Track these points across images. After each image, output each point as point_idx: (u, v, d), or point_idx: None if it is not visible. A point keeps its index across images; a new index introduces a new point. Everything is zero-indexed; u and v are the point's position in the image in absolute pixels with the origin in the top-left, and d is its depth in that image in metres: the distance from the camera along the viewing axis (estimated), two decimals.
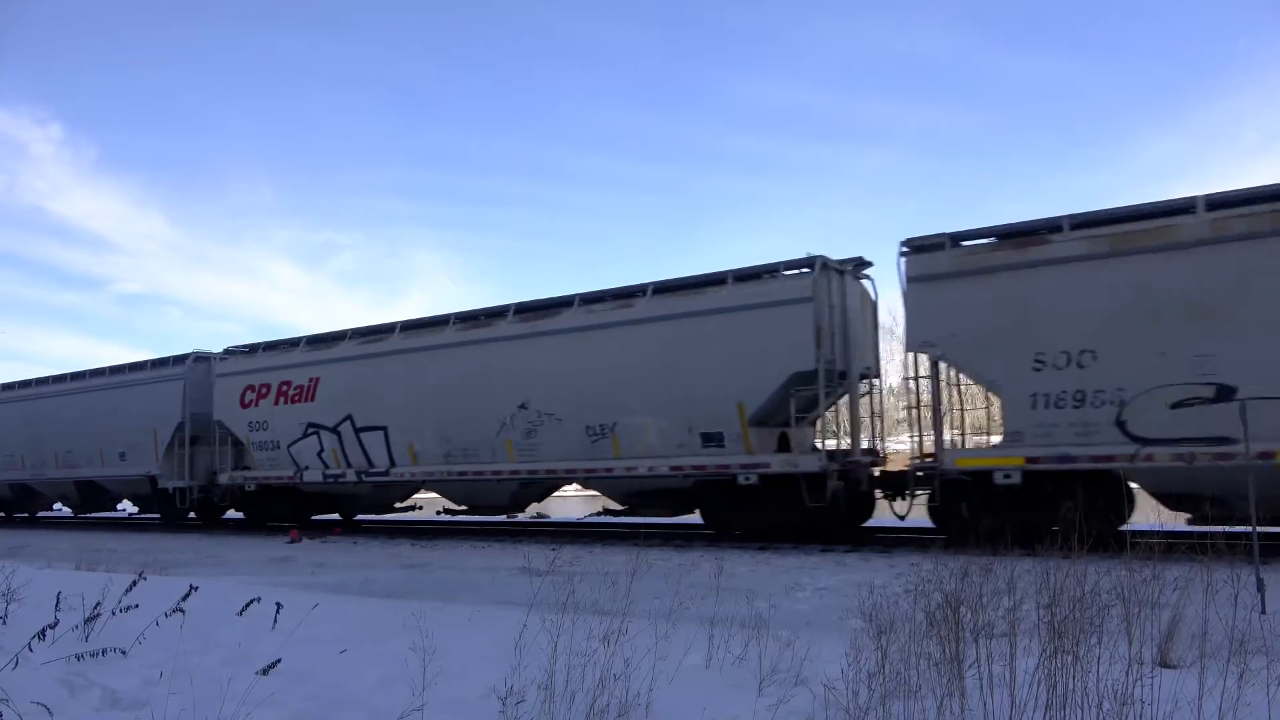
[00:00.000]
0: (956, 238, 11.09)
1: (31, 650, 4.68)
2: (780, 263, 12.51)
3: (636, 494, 13.87)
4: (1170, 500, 9.93)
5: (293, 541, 15.57)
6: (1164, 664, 4.42)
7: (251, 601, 6.19)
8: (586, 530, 15.68)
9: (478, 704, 4.00)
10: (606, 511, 14.74)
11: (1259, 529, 6.37)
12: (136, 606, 5.50)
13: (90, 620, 5.39)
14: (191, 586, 5.90)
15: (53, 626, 4.99)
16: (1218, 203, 9.52)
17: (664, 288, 13.43)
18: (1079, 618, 3.82)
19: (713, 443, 12.60)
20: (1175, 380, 9.42)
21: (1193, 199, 9.67)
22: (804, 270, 12.29)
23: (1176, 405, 9.43)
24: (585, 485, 14.67)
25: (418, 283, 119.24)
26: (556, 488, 15.72)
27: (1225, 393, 9.08)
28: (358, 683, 4.57)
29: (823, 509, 11.81)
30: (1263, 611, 5.66)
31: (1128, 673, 3.33)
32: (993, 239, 10.94)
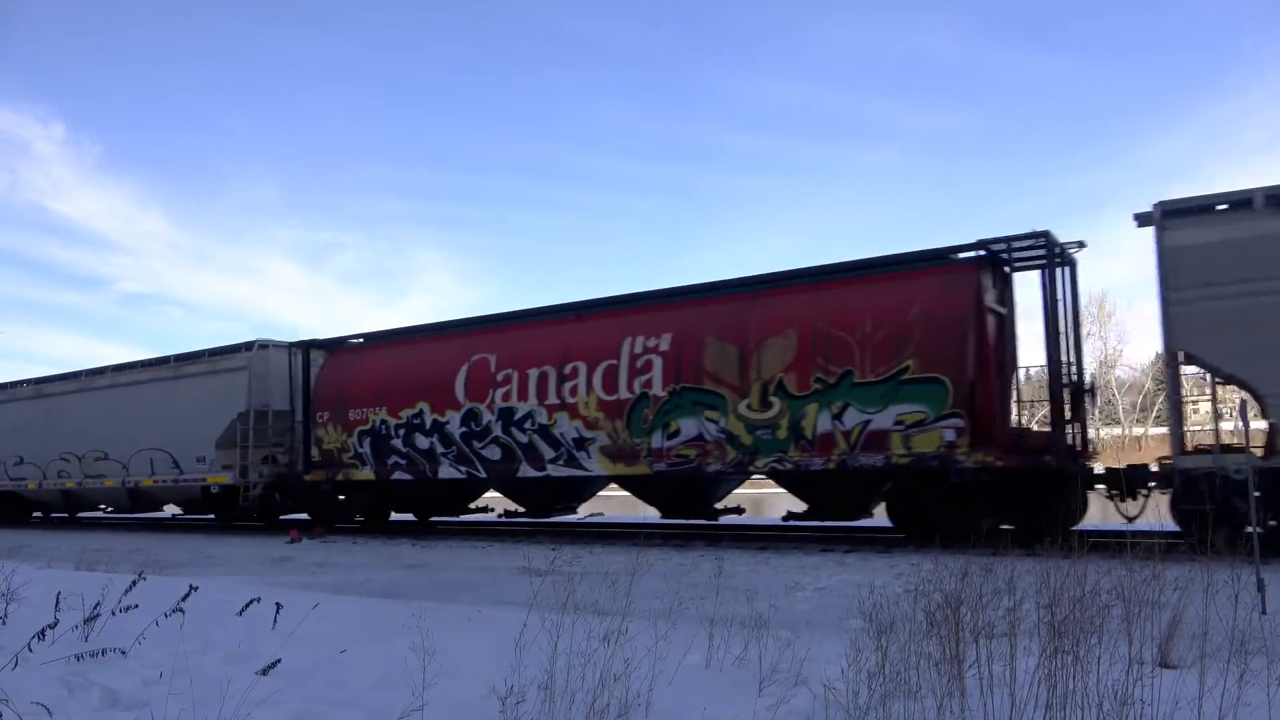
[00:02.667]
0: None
1: (31, 650, 4.68)
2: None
3: None
4: None
5: (293, 541, 15.57)
6: (1164, 664, 4.42)
7: (251, 601, 6.19)
8: (587, 530, 15.69)
9: (478, 704, 4.00)
10: None
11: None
12: (136, 606, 5.50)
13: (90, 620, 5.39)
14: (191, 586, 5.89)
15: (53, 626, 4.99)
16: None
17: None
18: (1079, 618, 3.82)
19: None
20: None
21: None
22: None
23: None
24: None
25: (420, 282, 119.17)
26: None
27: None
28: (358, 683, 4.57)
29: None
30: (1263, 611, 5.66)
31: (1128, 673, 3.33)
32: None
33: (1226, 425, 10.22)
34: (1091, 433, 12.11)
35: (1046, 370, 11.31)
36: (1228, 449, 9.82)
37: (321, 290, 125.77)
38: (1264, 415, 9.81)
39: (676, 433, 12.67)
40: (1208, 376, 10.46)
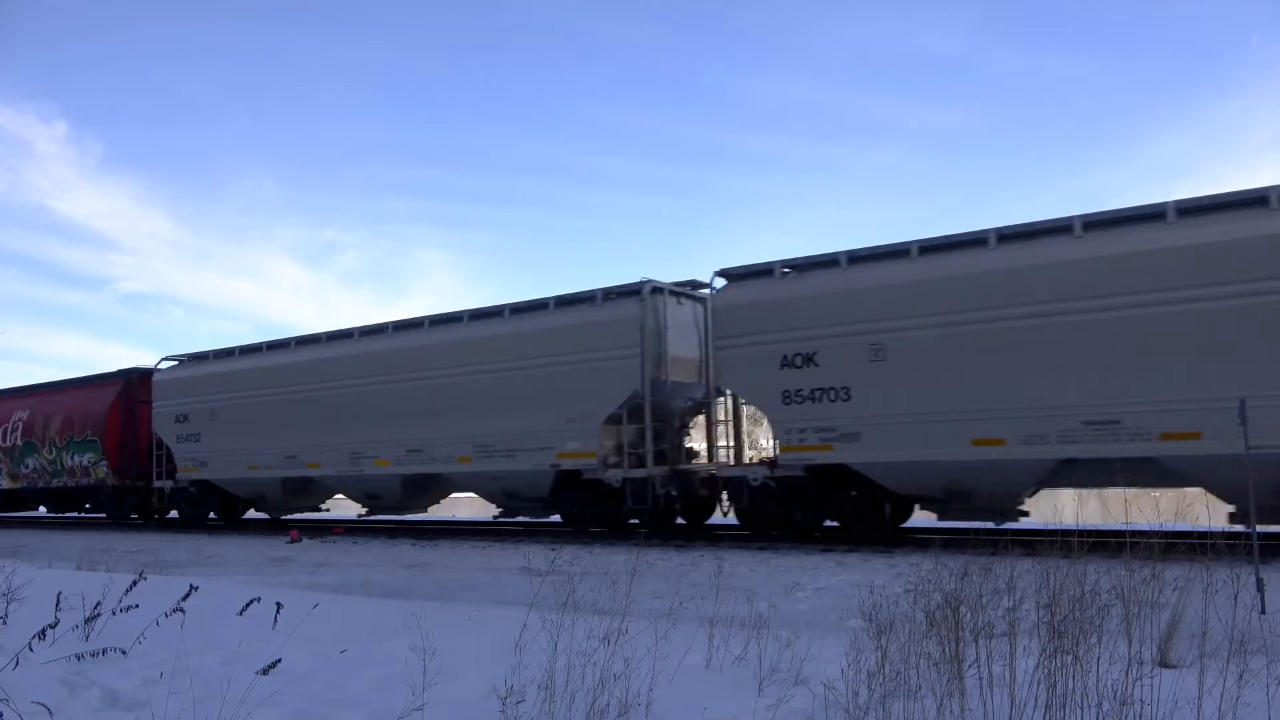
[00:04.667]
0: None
1: (32, 650, 4.69)
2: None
3: None
4: None
5: (293, 541, 15.58)
6: (1164, 664, 4.42)
7: (252, 601, 6.19)
8: (586, 530, 15.67)
9: (478, 704, 4.00)
10: None
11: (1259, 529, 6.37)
12: (137, 606, 5.51)
13: (90, 620, 5.40)
14: (192, 586, 5.91)
15: (53, 626, 5.00)
16: None
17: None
18: (1079, 618, 3.82)
19: None
20: None
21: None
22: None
23: None
24: None
25: (422, 282, 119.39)
26: None
27: None
28: (358, 683, 4.57)
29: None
30: (1263, 611, 5.66)
31: (1128, 673, 3.33)
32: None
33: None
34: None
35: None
36: (768, 462, 12.95)
37: (323, 289, 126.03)
38: (774, 434, 12.77)
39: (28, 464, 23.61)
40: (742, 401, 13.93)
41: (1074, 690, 3.35)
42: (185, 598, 5.57)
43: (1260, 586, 5.86)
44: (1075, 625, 3.73)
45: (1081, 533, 5.38)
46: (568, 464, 13.94)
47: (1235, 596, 4.54)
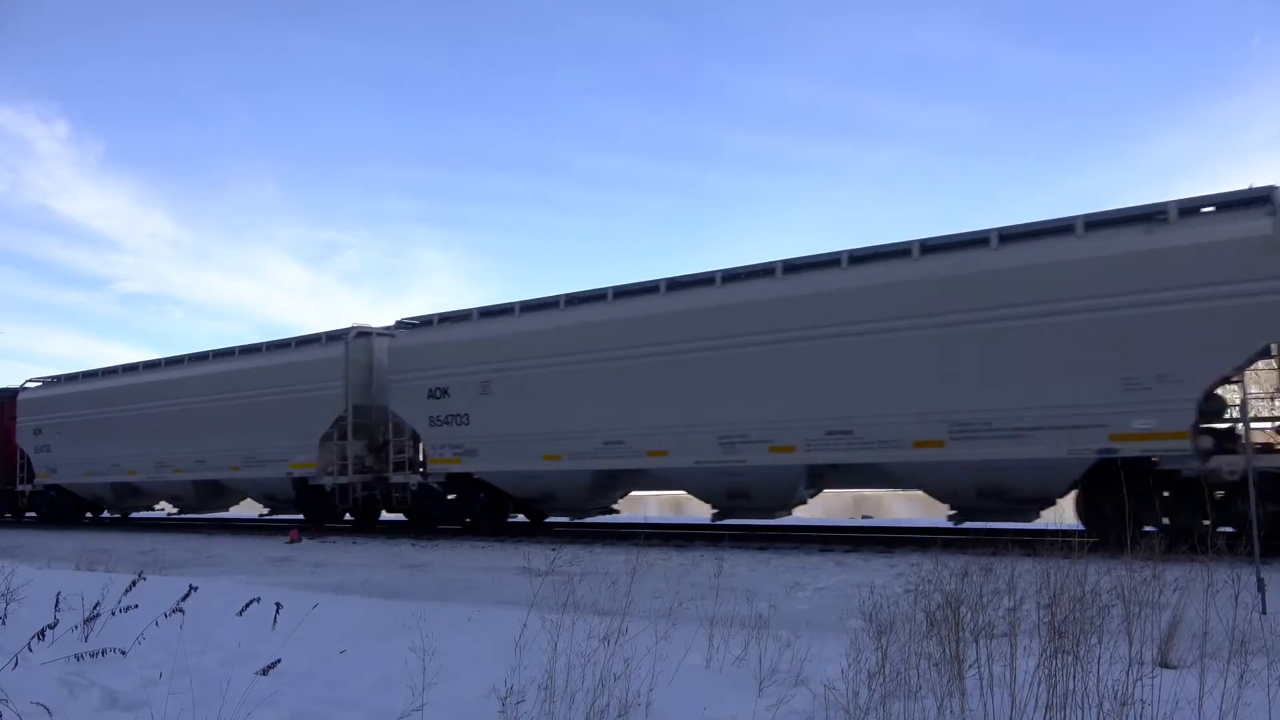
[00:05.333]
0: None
1: (31, 650, 4.68)
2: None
3: None
4: None
5: (293, 541, 15.57)
6: (1164, 664, 4.41)
7: (251, 601, 6.19)
8: (587, 530, 15.72)
9: (478, 704, 4.00)
10: None
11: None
12: (136, 607, 5.50)
13: (90, 620, 5.39)
14: (191, 586, 5.90)
15: (52, 626, 4.99)
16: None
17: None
18: (1079, 618, 3.82)
19: None
20: None
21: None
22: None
23: None
24: None
25: (423, 281, 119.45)
26: None
27: None
28: (358, 683, 4.57)
29: None
30: (1263, 611, 5.65)
31: (1128, 673, 3.33)
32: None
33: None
34: None
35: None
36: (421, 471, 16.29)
37: (323, 289, 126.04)
38: (426, 450, 16.04)
39: None
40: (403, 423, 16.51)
41: (1074, 690, 3.34)
42: (185, 598, 5.56)
43: (1261, 587, 5.86)
44: (1076, 625, 3.73)
45: (1081, 533, 5.38)
46: (298, 472, 17.59)
47: (1236, 597, 4.53)
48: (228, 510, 21.95)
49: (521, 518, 16.87)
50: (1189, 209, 9.62)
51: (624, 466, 13.48)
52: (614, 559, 10.17)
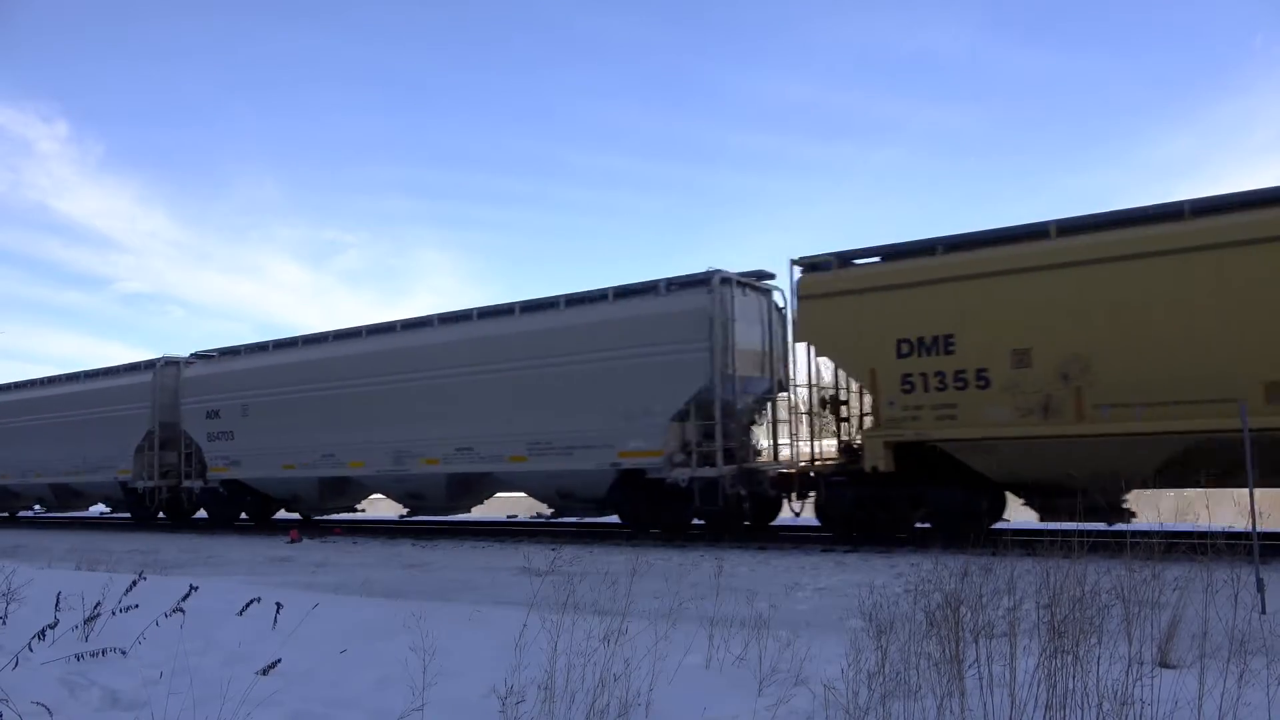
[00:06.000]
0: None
1: (31, 650, 4.68)
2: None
3: None
4: None
5: (293, 541, 15.58)
6: (1164, 664, 4.42)
7: (251, 601, 6.19)
8: (587, 530, 15.69)
9: (478, 704, 4.00)
10: None
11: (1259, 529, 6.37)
12: (136, 606, 5.50)
13: (90, 620, 5.39)
14: (191, 586, 5.89)
15: (53, 626, 4.99)
16: None
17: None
18: (1079, 618, 3.82)
19: None
20: None
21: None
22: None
23: None
24: None
25: (424, 282, 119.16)
26: None
27: None
28: (358, 683, 4.57)
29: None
30: (1263, 611, 5.65)
31: (1128, 673, 3.33)
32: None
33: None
34: None
35: None
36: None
37: (324, 289, 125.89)
38: (206, 460, 20.11)
39: None
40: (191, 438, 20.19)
41: (1074, 690, 3.34)
42: (185, 598, 5.56)
43: (1260, 586, 5.86)
44: (1075, 625, 3.73)
45: (1081, 533, 5.38)
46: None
47: (1235, 596, 4.54)
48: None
49: (298, 515, 20.33)
50: (675, 285, 13.59)
51: (335, 474, 17.48)
52: (614, 559, 10.18)
